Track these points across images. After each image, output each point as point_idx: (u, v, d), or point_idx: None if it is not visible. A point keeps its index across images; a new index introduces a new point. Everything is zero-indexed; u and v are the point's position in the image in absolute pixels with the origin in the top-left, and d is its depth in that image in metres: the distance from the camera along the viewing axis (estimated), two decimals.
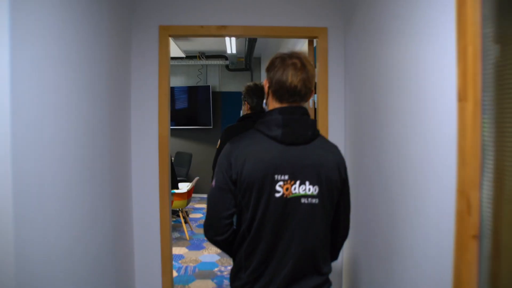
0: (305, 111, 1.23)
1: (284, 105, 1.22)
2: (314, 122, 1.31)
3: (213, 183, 1.24)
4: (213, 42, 5.75)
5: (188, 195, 4.64)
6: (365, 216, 1.89)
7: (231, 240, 1.27)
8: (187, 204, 4.70)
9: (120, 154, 2.03)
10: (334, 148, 1.29)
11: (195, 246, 4.51)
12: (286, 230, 1.19)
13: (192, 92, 6.96)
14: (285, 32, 2.25)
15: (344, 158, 1.32)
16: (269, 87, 1.25)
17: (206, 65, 7.08)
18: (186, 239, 4.71)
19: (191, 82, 7.13)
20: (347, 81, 2.27)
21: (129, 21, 2.17)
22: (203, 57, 6.54)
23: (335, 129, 2.31)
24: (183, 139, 7.18)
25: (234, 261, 1.30)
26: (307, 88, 1.21)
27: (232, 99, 6.94)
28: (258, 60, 7.07)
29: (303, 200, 1.19)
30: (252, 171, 1.17)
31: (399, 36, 1.51)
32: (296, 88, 1.19)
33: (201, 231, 5.10)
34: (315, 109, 2.37)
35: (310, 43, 2.44)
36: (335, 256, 1.40)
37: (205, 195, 6.45)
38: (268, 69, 1.24)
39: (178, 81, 7.17)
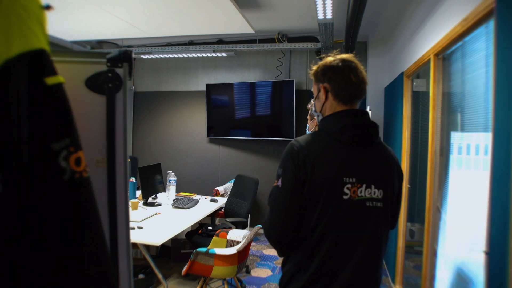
0: (366, 113, 1.27)
1: (347, 107, 1.26)
2: (377, 125, 1.27)
3: (279, 183, 1.22)
4: (298, 16, 3.79)
5: (240, 257, 2.69)
6: None
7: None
8: (238, 271, 2.75)
9: None
10: (392, 152, 1.32)
11: None
12: (350, 232, 1.19)
13: (276, 89, 5.04)
14: None
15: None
16: (327, 92, 1.28)
17: (289, 51, 5.11)
18: None
19: (269, 76, 5.23)
20: None
21: None
22: (283, 40, 4.60)
23: None
24: (254, 154, 5.30)
25: (288, 261, 1.26)
26: (365, 87, 1.28)
27: None
28: (364, 45, 4.88)
29: (368, 203, 1.20)
30: (323, 172, 1.18)
31: None
32: (359, 88, 1.25)
33: None
34: None
35: None
36: None
37: None
38: (323, 75, 1.28)
39: (251, 76, 5.33)
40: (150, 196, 3.53)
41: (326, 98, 1.28)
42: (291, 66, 5.11)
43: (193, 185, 5.52)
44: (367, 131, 1.24)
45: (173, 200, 3.60)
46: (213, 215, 3.73)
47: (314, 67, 1.32)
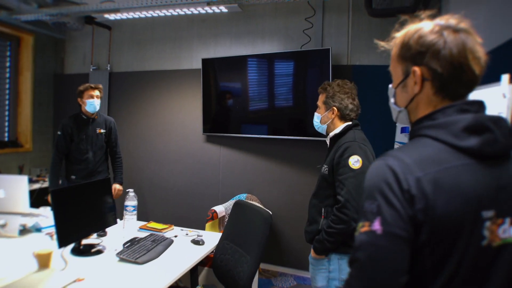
0: (483, 104, 0.83)
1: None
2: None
3: (377, 225, 0.72)
4: None
5: None
6: None
7: None
8: None
9: None
10: None
11: None
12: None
13: (302, 63, 3.44)
14: None
15: None
16: (423, 79, 0.82)
17: (323, 5, 3.47)
18: None
19: (292, 46, 3.60)
20: None
21: None
22: None
23: None
24: (270, 159, 3.70)
25: None
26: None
27: (378, 81, 3.25)
28: None
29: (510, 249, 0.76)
30: (451, 206, 0.72)
31: None
32: (478, 75, 0.80)
33: None
34: None
35: None
36: None
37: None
38: (427, 48, 0.80)
39: (266, 47, 3.71)
40: (78, 240, 2.00)
41: (422, 86, 0.83)
42: (325, 29, 3.47)
43: (181, 204, 3.99)
44: (500, 134, 0.76)
45: (124, 245, 2.05)
46: (195, 269, 2.17)
47: (402, 34, 0.85)
